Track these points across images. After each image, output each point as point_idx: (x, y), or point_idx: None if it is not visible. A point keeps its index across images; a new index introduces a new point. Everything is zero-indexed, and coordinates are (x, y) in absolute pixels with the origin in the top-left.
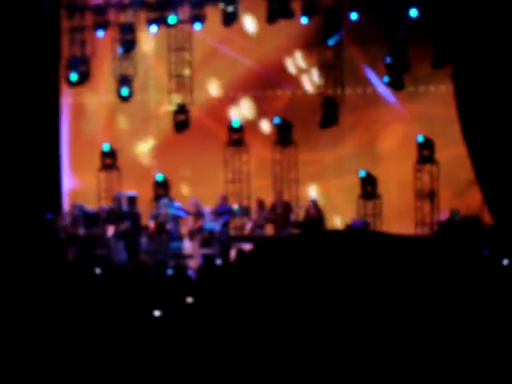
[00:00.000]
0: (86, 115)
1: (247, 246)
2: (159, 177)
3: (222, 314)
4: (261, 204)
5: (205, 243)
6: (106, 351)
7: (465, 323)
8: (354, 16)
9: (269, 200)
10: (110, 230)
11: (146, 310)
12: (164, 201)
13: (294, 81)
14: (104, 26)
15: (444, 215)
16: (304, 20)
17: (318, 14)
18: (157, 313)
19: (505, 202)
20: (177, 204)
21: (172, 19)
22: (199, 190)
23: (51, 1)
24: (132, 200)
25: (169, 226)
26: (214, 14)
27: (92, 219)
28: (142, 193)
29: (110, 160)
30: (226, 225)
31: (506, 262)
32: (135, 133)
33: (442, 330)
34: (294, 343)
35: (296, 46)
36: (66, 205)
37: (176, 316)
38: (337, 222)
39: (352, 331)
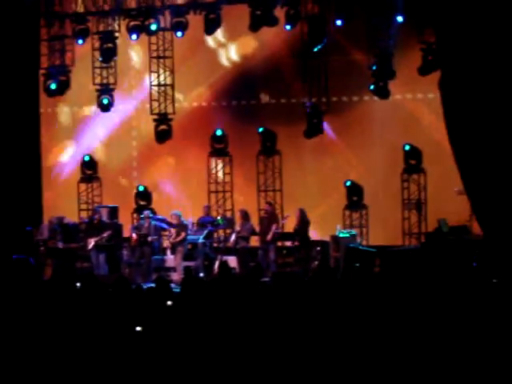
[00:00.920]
0: (66, 125)
1: (230, 258)
2: (141, 188)
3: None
4: (245, 215)
5: (188, 255)
6: (86, 366)
7: (452, 330)
8: (338, 23)
9: (252, 211)
10: (91, 243)
11: (127, 324)
12: (146, 213)
13: (279, 89)
14: (84, 34)
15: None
16: (288, 27)
17: (302, 22)
18: (138, 328)
19: (493, 210)
20: (159, 216)
21: (153, 27)
22: (182, 201)
23: (30, 9)
24: (113, 212)
25: (151, 239)
26: (195, 22)
27: (72, 232)
28: (123, 204)
29: (90, 171)
30: (209, 236)
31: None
32: (116, 143)
33: (433, 337)
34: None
35: (280, 54)
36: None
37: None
38: (323, 232)
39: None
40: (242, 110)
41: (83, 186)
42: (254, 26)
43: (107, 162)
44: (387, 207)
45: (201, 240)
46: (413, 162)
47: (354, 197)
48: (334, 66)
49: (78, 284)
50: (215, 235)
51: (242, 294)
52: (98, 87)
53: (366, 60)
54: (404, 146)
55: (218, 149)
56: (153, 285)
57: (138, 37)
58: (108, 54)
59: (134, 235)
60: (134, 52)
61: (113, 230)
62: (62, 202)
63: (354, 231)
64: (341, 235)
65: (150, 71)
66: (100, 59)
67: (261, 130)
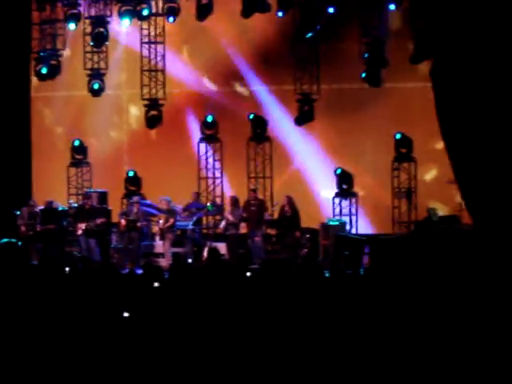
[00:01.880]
0: (57, 109)
1: (220, 245)
2: (130, 173)
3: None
4: (235, 202)
5: (177, 242)
6: (74, 351)
7: (438, 319)
8: (330, 10)
9: (243, 197)
10: (81, 228)
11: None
12: (135, 198)
13: (270, 76)
14: (75, 18)
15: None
16: (280, 14)
17: (294, 8)
18: (126, 314)
19: (483, 200)
20: (148, 201)
21: (145, 12)
22: (171, 187)
23: None
24: (102, 197)
25: (140, 224)
26: (187, 7)
27: (61, 216)
28: (113, 189)
29: (80, 155)
30: (198, 223)
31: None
32: (106, 128)
33: (421, 326)
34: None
35: (272, 41)
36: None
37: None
38: (312, 219)
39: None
40: (233, 95)
41: (73, 171)
42: (246, 12)
43: (97, 147)
44: (377, 196)
45: (190, 226)
46: (403, 150)
47: (344, 185)
48: (325, 53)
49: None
50: (205, 221)
51: (231, 280)
52: (88, 72)
53: (357, 48)
54: (395, 135)
55: (209, 135)
56: (141, 271)
57: (130, 22)
58: (99, 38)
59: (123, 221)
60: (125, 37)
61: (106, 217)
62: (52, 187)
63: (343, 219)
64: (331, 223)
65: (142, 56)
66: (91, 44)
67: (251, 116)
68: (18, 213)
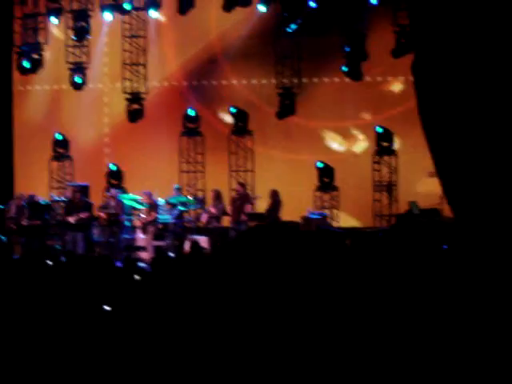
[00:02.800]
0: (39, 103)
1: (202, 238)
2: (112, 167)
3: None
4: (217, 195)
5: (158, 235)
6: (55, 347)
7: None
8: (312, 4)
9: (224, 191)
10: (70, 221)
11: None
12: (113, 191)
13: (251, 70)
14: (57, 12)
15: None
16: (262, 8)
17: (275, 2)
18: (107, 307)
19: (464, 194)
20: (130, 195)
21: (127, 6)
22: (153, 180)
23: None
24: (84, 190)
25: (121, 218)
26: (169, 2)
27: (42, 210)
28: (95, 183)
29: (62, 149)
30: (180, 216)
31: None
32: (88, 122)
33: (400, 322)
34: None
35: (253, 35)
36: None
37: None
38: (293, 213)
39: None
40: (214, 89)
41: (55, 164)
42: (228, 6)
43: (79, 140)
44: (358, 189)
45: (172, 220)
46: (385, 144)
47: (326, 178)
48: (306, 47)
49: (49, 262)
50: (186, 215)
51: (212, 273)
52: (70, 66)
53: (338, 41)
54: (375, 128)
55: (191, 128)
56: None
57: (112, 15)
58: (81, 32)
59: (103, 214)
60: (107, 30)
61: (90, 211)
62: (34, 180)
63: (324, 213)
64: (312, 216)
65: (123, 50)
66: (73, 38)
67: (233, 110)
68: (2, 207)
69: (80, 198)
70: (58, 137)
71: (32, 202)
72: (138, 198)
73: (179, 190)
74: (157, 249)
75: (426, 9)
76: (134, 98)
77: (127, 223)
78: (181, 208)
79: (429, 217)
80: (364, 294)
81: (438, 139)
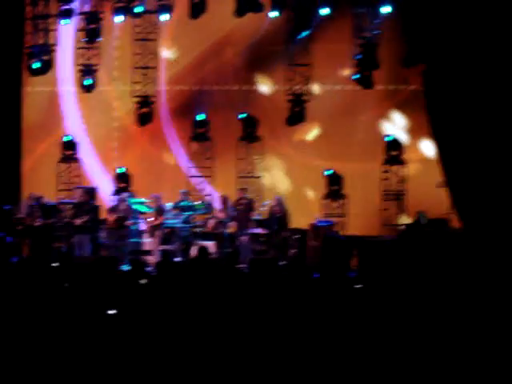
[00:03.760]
0: (48, 105)
1: (209, 244)
2: (120, 170)
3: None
4: (225, 200)
5: (165, 239)
6: (58, 349)
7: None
8: (324, 11)
9: (232, 197)
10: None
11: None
12: (125, 195)
13: (262, 75)
14: (68, 14)
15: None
16: (273, 14)
17: (287, 9)
18: (111, 311)
19: (473, 204)
20: (138, 198)
21: (138, 9)
22: (161, 184)
23: None
24: (92, 193)
25: (129, 221)
26: (180, 5)
27: (50, 211)
28: (103, 186)
29: (70, 151)
30: (187, 221)
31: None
32: (97, 124)
33: (408, 329)
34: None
35: (264, 41)
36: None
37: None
38: (301, 220)
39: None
40: (224, 95)
41: (63, 166)
42: (240, 12)
43: (88, 142)
44: (367, 198)
45: (179, 224)
46: (394, 153)
47: (334, 186)
48: (317, 54)
49: (55, 264)
50: (194, 220)
51: (218, 279)
52: (81, 68)
53: (350, 49)
54: (385, 137)
55: (200, 133)
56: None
57: (122, 19)
58: (92, 34)
59: (110, 217)
60: (118, 33)
61: (89, 215)
62: (42, 182)
63: (332, 220)
64: (319, 224)
65: (134, 53)
66: (84, 40)
67: (243, 116)
68: (9, 207)
69: (88, 201)
70: (67, 139)
71: (41, 203)
72: (146, 201)
73: (186, 194)
74: (164, 253)
75: (434, 21)
76: (144, 101)
77: (134, 227)
78: (188, 213)
79: (436, 227)
80: (369, 299)
81: (447, 148)
